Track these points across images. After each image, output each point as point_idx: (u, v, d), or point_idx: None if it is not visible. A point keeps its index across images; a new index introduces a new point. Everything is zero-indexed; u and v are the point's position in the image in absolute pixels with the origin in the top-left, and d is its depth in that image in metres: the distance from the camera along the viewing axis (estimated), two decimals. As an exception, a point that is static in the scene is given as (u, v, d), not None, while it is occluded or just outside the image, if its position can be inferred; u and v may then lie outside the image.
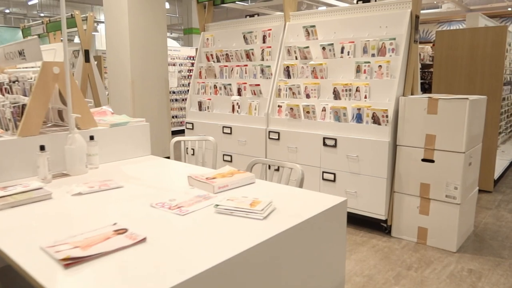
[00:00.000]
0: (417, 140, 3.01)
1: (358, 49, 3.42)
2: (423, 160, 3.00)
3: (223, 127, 4.23)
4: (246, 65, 4.17)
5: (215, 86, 4.43)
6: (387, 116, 3.07)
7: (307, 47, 3.63)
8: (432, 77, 5.48)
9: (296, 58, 3.80)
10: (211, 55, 4.54)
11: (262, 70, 3.98)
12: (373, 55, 3.32)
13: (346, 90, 3.36)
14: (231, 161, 4.22)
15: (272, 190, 1.71)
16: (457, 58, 4.43)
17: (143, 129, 2.48)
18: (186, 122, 4.63)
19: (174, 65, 9.46)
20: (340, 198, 1.55)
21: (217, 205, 1.45)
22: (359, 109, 3.25)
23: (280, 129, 3.74)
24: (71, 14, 6.18)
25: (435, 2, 14.15)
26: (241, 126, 4.05)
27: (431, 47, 7.24)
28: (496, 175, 4.61)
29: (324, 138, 3.43)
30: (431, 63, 6.96)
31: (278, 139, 3.76)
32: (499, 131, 4.54)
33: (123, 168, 2.16)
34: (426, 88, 6.96)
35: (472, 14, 5.23)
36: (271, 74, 3.95)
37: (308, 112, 3.52)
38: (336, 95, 3.43)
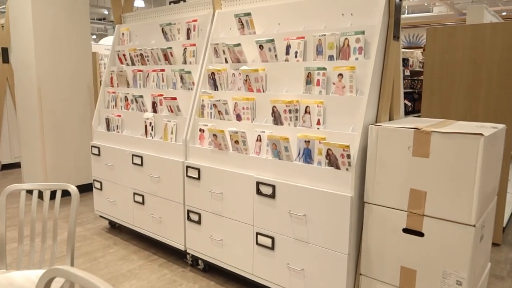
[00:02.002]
0: (396, 197, 1.84)
1: (310, 49, 2.26)
2: (406, 230, 1.83)
3: (133, 155, 3.03)
4: (163, 70, 2.99)
5: (126, 98, 3.23)
6: (349, 156, 1.90)
7: (238, 44, 2.46)
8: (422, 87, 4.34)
9: (226, 61, 2.62)
10: (124, 55, 3.34)
11: (182, 78, 2.79)
12: (331, 57, 2.16)
13: (290, 111, 2.19)
14: (143, 203, 3.01)
15: None
16: (456, 64, 3.30)
17: None
18: (92, 146, 3.42)
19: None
20: None
21: None
22: (307, 141, 2.08)
23: (201, 164, 2.55)
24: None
25: (425, 4, 13.16)
26: (154, 156, 2.86)
27: (422, 52, 6.11)
28: (506, 219, 3.48)
29: (258, 183, 2.25)
30: (421, 69, 5.82)
31: (199, 178, 2.57)
32: None
33: None
34: (416, 99, 5.79)
35: (476, 6, 4.07)
36: (193, 84, 2.76)
37: (237, 141, 2.34)
38: (277, 118, 2.26)
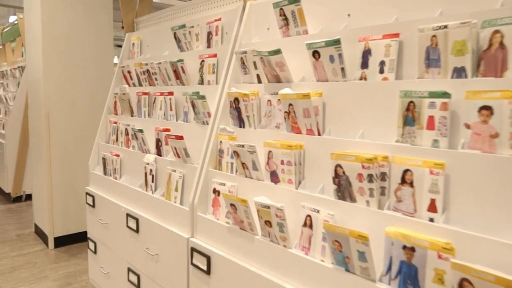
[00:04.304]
0: None
1: (411, 55, 1.18)
2: None
3: (128, 216, 2.09)
4: (172, 94, 2.04)
5: (126, 132, 2.33)
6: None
7: (278, 52, 1.43)
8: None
9: (259, 81, 1.61)
10: (129, 72, 2.46)
11: (193, 105, 1.82)
12: (459, 71, 1.06)
13: (370, 178, 1.10)
14: (138, 285, 2.05)
15: None
16: None
17: None
18: (87, 193, 2.55)
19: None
20: None
21: None
22: (410, 248, 0.98)
23: (213, 250, 1.53)
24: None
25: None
26: (153, 221, 1.89)
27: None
28: None
29: (304, 309, 1.19)
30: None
31: (208, 272, 1.55)
32: None
33: None
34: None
35: None
36: (208, 115, 1.78)
37: (268, 222, 1.30)
38: (343, 188, 1.18)
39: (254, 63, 1.59)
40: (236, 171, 1.58)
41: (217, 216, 1.61)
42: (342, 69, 1.31)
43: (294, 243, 1.29)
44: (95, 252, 2.50)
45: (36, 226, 3.84)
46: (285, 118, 1.42)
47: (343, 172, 1.16)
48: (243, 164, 1.49)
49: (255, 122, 1.57)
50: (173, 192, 1.85)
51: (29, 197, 5.22)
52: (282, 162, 1.36)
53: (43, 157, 3.45)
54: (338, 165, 1.17)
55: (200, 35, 2.05)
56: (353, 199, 1.16)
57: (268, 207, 1.27)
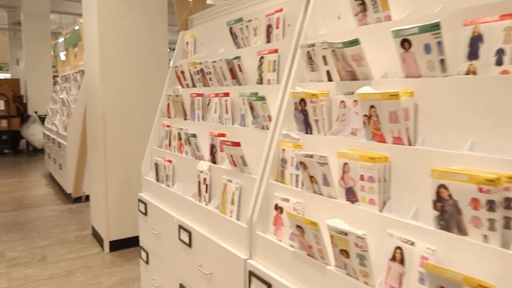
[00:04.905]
0: None
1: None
2: None
3: (180, 227, 1.93)
4: (227, 95, 1.85)
5: (179, 136, 2.18)
6: None
7: (355, 42, 1.18)
8: None
9: (329, 78, 1.37)
10: (182, 72, 2.31)
11: (251, 108, 1.61)
12: None
13: (490, 205, 0.83)
14: (191, 305, 1.89)
15: None
16: None
17: None
18: (139, 200, 2.44)
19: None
20: None
21: None
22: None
23: (274, 277, 1.31)
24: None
25: None
26: (206, 236, 1.71)
27: None
28: None
29: None
30: None
31: (269, 301, 1.34)
32: None
33: None
34: None
35: None
36: (269, 119, 1.56)
37: (345, 252, 1.05)
38: (448, 216, 0.91)
39: (324, 57, 1.34)
40: (302, 185, 1.34)
41: (280, 237, 1.38)
42: (442, 61, 1.03)
43: (378, 280, 1.03)
44: (147, 262, 2.38)
45: (93, 228, 3.86)
46: (364, 123, 1.16)
47: (449, 195, 0.89)
48: (311, 177, 1.25)
49: (325, 128, 1.32)
50: (229, 205, 1.65)
51: (88, 198, 5.34)
52: (362, 178, 1.11)
53: (99, 160, 3.43)
54: (442, 186, 0.90)
55: (258, 29, 1.84)
56: (462, 231, 0.88)
57: (346, 234, 1.02)
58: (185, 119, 2.21)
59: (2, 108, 8.43)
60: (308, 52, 1.39)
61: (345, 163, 1.15)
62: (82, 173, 4.96)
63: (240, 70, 1.79)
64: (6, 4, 11.18)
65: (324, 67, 1.36)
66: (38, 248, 3.57)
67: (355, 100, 1.23)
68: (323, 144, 1.30)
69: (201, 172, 1.86)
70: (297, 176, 1.37)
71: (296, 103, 1.38)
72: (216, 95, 1.92)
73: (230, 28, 1.92)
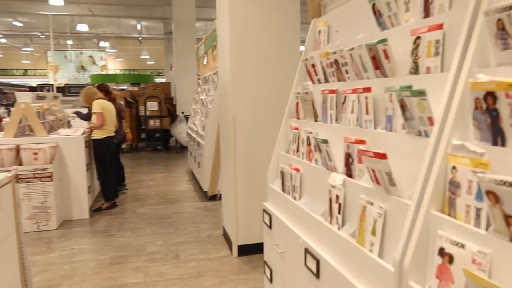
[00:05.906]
0: None
1: None
2: None
3: (306, 251, 1.61)
4: (369, 90, 1.44)
5: (308, 140, 1.85)
6: None
7: None
8: None
9: (540, 58, 0.86)
10: (313, 66, 1.97)
11: (403, 107, 1.18)
12: None
13: None
14: None
15: None
16: None
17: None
18: (264, 210, 2.20)
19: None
20: None
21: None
22: None
23: None
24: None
25: None
26: (338, 271, 1.35)
27: None
28: None
29: None
30: None
31: None
32: None
33: None
34: None
35: None
36: (429, 122, 1.10)
37: None
38: None
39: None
40: (488, 225, 0.88)
41: (447, 297, 0.94)
42: None
43: None
44: (271, 281, 2.13)
45: (224, 230, 3.83)
46: None
47: None
48: (507, 217, 0.79)
49: (532, 137, 0.83)
50: (368, 234, 1.26)
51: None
52: None
53: (230, 161, 3.35)
54: None
55: (411, 2, 1.38)
56: None
57: None
58: (316, 120, 1.88)
59: (156, 108, 9.39)
60: (499, 20, 0.91)
61: None
62: (217, 172, 5.06)
63: (387, 58, 1.37)
64: (160, 16, 12.52)
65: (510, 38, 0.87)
66: (174, 244, 3.68)
67: None
68: (529, 164, 0.82)
69: (333, 187, 1.49)
70: (478, 210, 0.90)
71: (478, 99, 0.92)
72: (354, 91, 1.53)
73: (373, 5, 1.50)
